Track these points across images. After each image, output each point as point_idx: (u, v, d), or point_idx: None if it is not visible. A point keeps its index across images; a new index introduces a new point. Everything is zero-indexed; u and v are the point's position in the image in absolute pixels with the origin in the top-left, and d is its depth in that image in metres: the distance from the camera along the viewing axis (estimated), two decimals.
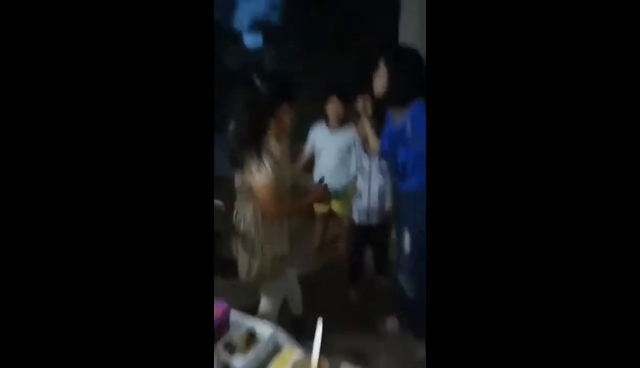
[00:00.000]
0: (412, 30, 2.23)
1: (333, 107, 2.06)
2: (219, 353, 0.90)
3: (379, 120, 1.61)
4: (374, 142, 1.55)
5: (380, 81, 1.35)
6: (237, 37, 5.00)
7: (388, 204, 1.91)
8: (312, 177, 2.22)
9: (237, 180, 1.30)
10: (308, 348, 0.78)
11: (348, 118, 2.08)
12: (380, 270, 2.16)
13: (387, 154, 1.52)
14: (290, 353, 0.88)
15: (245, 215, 1.33)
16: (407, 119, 1.30)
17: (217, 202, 1.27)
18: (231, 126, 1.25)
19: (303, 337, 1.02)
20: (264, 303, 1.52)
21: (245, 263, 1.40)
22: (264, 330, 0.97)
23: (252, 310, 1.55)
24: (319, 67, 4.12)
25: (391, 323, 1.80)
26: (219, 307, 0.95)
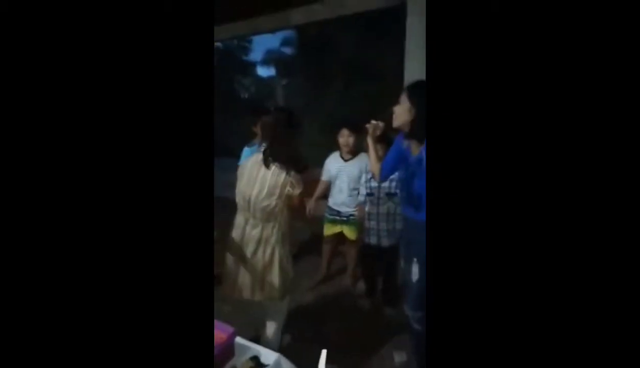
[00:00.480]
0: (417, 63, 2.33)
1: (344, 138, 2.19)
2: None
3: (386, 145, 1.68)
4: (374, 165, 1.59)
5: (401, 114, 1.39)
6: (251, 69, 5.24)
7: (398, 226, 1.98)
8: (326, 204, 2.35)
9: (268, 200, 1.39)
10: None
11: (360, 148, 2.19)
12: (388, 300, 2.14)
13: (388, 179, 1.61)
14: None
15: (272, 233, 1.43)
16: (424, 150, 1.34)
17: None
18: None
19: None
20: (270, 326, 1.55)
21: (259, 284, 1.46)
22: (269, 356, 0.97)
23: (256, 335, 1.55)
24: (330, 98, 4.25)
25: (398, 357, 1.75)
26: (224, 332, 0.96)
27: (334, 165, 2.28)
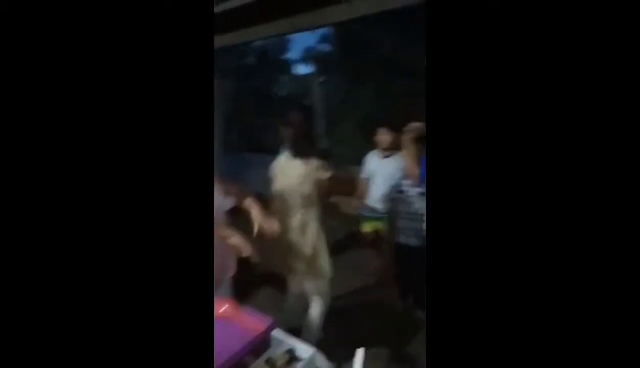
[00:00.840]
0: None
1: (380, 136, 2.21)
2: None
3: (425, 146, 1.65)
4: (411, 167, 1.59)
5: None
6: (289, 67, 5.31)
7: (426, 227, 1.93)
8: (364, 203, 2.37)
9: (303, 186, 1.60)
10: None
11: (397, 146, 2.17)
12: (420, 302, 2.09)
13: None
14: None
15: (313, 216, 1.65)
16: None
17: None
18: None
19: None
20: (315, 306, 1.73)
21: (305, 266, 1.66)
22: (304, 351, 0.99)
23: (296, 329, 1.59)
24: (368, 96, 4.21)
25: None
26: (263, 323, 0.98)
27: (372, 163, 2.31)
